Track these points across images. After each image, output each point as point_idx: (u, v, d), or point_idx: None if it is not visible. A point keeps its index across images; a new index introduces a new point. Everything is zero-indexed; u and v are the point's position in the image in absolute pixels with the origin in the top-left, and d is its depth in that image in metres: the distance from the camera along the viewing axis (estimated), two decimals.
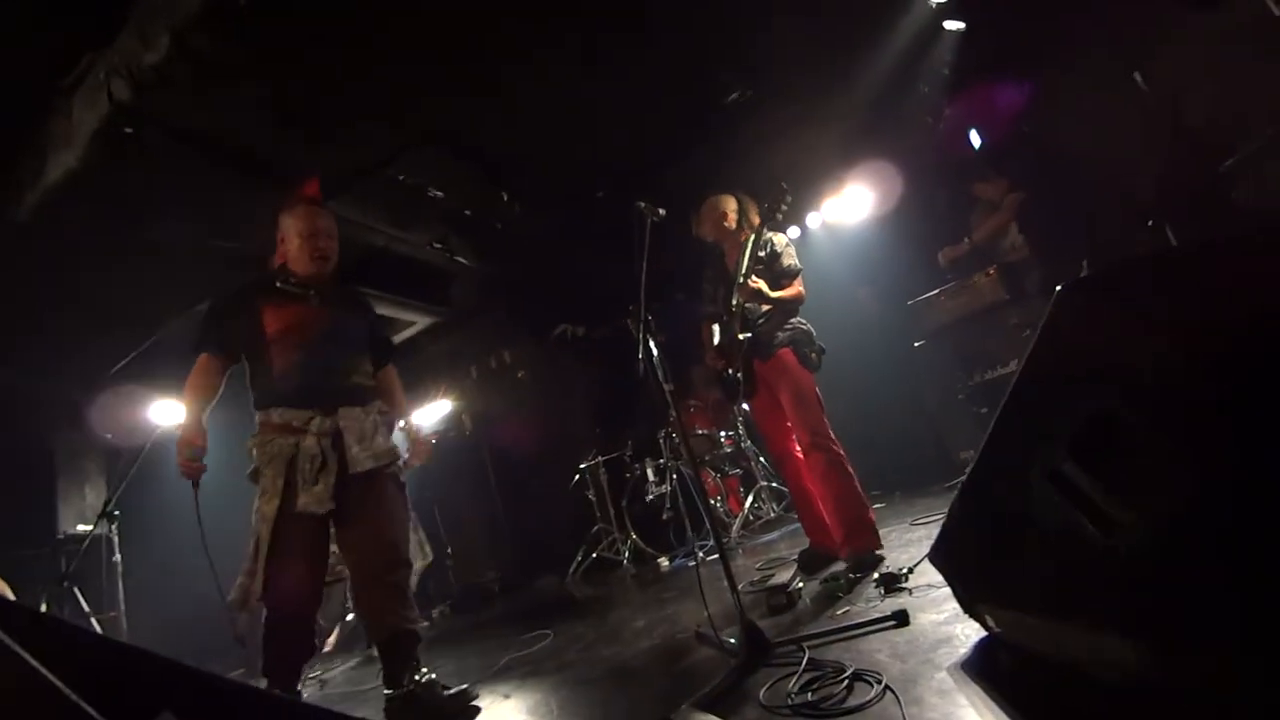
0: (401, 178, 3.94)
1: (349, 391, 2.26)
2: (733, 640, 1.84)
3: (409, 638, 2.13)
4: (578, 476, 5.16)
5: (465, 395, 6.38)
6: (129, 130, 2.84)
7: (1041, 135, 4.20)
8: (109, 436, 4.80)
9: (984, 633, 1.43)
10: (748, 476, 5.12)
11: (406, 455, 2.44)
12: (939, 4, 3.88)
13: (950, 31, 4.06)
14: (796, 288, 2.90)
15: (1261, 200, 2.96)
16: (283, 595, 2.01)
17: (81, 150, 2.92)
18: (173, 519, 4.92)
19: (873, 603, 2.01)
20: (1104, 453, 0.94)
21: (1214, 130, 3.28)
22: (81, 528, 4.51)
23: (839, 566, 2.55)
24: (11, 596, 3.05)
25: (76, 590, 3.78)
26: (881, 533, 2.66)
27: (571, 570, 4.87)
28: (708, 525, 2.17)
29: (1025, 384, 1.06)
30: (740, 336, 2.83)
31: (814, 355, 2.84)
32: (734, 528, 4.49)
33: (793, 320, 2.90)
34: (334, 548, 2.23)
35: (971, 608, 1.46)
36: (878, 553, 2.55)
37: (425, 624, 2.29)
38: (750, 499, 4.82)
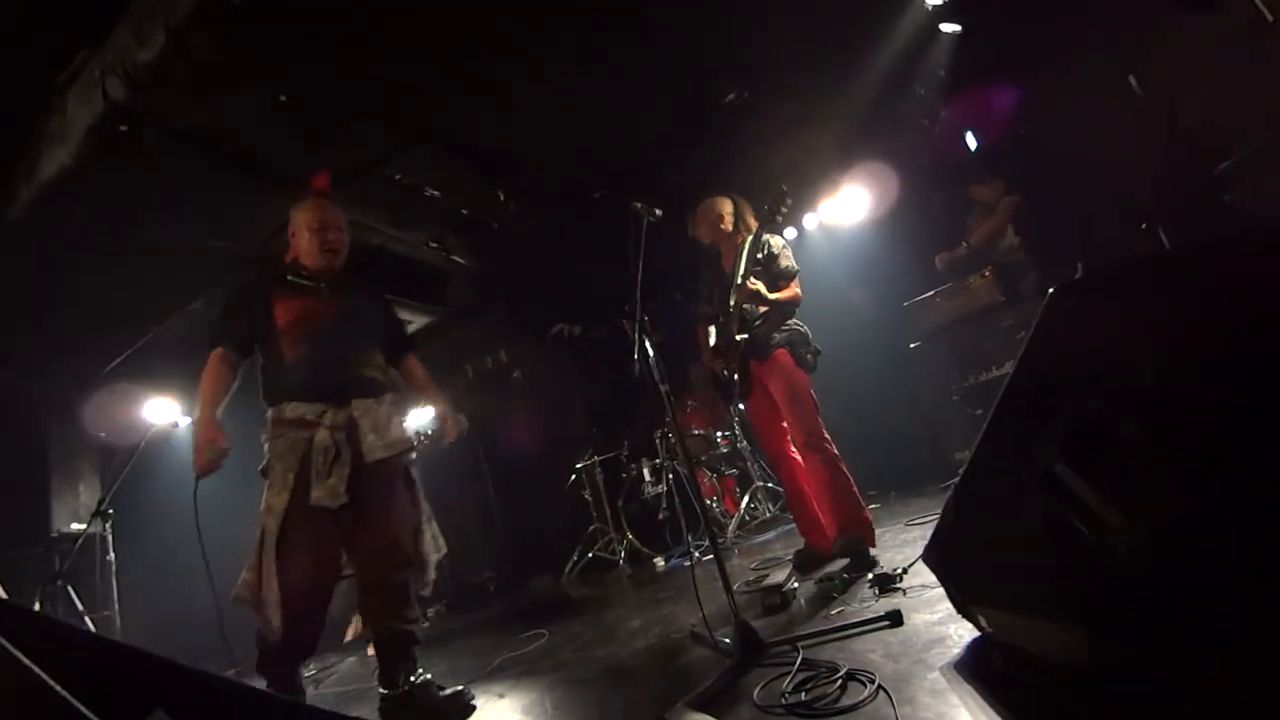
0: (398, 177, 3.94)
1: (360, 383, 2.24)
2: (727, 640, 1.85)
3: (407, 639, 2.12)
4: (574, 476, 5.16)
5: (462, 395, 6.37)
6: (124, 128, 2.83)
7: (1037, 138, 4.22)
8: (103, 435, 4.78)
9: (977, 633, 1.44)
10: (744, 477, 5.13)
11: (431, 433, 2.40)
12: (935, 6, 3.89)
13: (946, 34, 4.07)
14: (794, 289, 2.90)
15: (1256, 203, 2.97)
16: (290, 591, 1.97)
17: (76, 147, 2.91)
18: (166, 518, 4.91)
19: (867, 603, 2.02)
20: (1096, 454, 0.94)
21: (1209, 133, 3.29)
22: (75, 526, 4.49)
23: (834, 567, 2.56)
24: (4, 595, 3.04)
25: (70, 589, 3.77)
26: (877, 533, 2.67)
27: (567, 570, 4.87)
28: (703, 525, 2.17)
29: (1018, 385, 1.07)
30: (737, 337, 2.84)
31: (810, 356, 2.85)
32: (730, 528, 4.49)
33: (789, 321, 2.91)
34: None
35: (965, 608, 1.46)
36: (871, 551, 2.56)
37: (425, 624, 2.27)
38: (746, 499, 4.83)
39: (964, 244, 4.44)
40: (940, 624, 1.61)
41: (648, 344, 2.19)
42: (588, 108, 3.83)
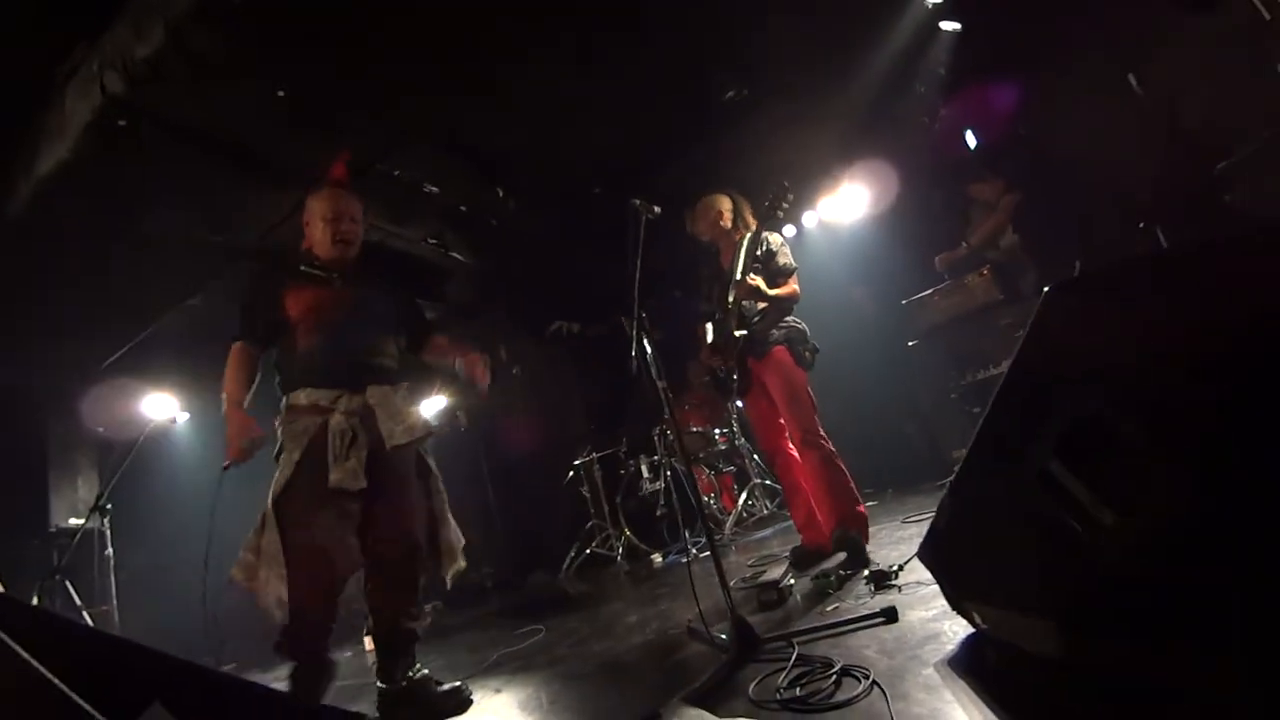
0: (397, 173, 3.93)
1: (375, 371, 2.23)
2: (723, 636, 1.85)
3: (409, 635, 2.13)
4: (572, 473, 5.16)
5: (461, 391, 6.37)
6: (122, 122, 2.82)
7: (1037, 137, 4.21)
8: (101, 430, 4.78)
9: (971, 629, 1.44)
10: (741, 474, 5.14)
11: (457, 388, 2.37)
12: (935, 4, 3.89)
13: (947, 32, 4.06)
14: (792, 286, 2.91)
15: (1256, 203, 2.97)
16: (301, 575, 1.94)
17: (74, 142, 2.90)
18: (165, 513, 4.94)
19: (862, 599, 2.03)
20: (1091, 453, 0.95)
21: (1209, 133, 3.29)
22: (74, 521, 4.50)
23: (830, 563, 2.57)
24: (0, 589, 3.05)
25: (68, 584, 3.78)
26: (873, 530, 2.69)
27: (565, 566, 4.87)
28: (701, 522, 2.18)
29: (1013, 384, 1.07)
30: (735, 333, 2.84)
31: (808, 354, 2.85)
32: (727, 525, 4.50)
33: (788, 319, 2.91)
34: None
35: (959, 605, 1.47)
36: (867, 548, 2.57)
37: (428, 621, 2.27)
38: (744, 496, 4.83)
39: (964, 244, 4.44)
40: (935, 620, 1.62)
41: (646, 341, 2.19)
42: (587, 107, 3.83)
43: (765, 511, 4.86)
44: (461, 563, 2.31)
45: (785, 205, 2.82)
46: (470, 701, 2.09)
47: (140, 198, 3.40)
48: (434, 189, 4.16)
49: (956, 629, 1.50)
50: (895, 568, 2.12)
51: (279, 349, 2.24)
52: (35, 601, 3.54)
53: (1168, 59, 3.49)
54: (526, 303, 6.00)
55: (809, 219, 5.65)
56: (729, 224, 3.05)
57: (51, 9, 2.57)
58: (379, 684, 2.10)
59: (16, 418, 4.64)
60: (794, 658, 1.58)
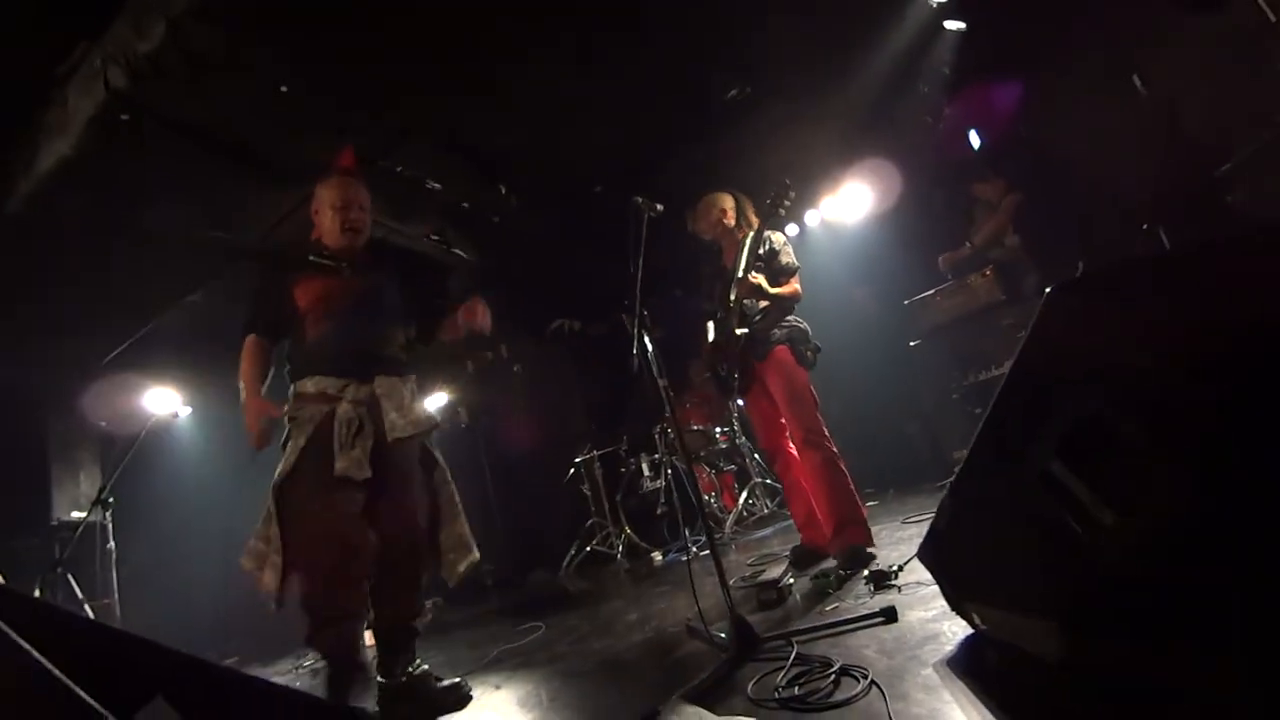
0: (399, 169, 3.93)
1: (383, 361, 2.24)
2: (723, 634, 1.85)
3: (409, 632, 2.14)
4: (573, 470, 5.17)
5: (462, 388, 6.38)
6: (125, 118, 2.82)
7: (1039, 137, 4.21)
8: (103, 424, 4.79)
9: (971, 630, 1.45)
10: (742, 472, 5.14)
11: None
12: (939, 3, 3.88)
13: (950, 31, 4.05)
14: (794, 285, 2.91)
15: (1257, 205, 2.97)
16: (301, 562, 1.94)
17: (76, 139, 2.90)
18: (167, 507, 4.95)
19: (862, 599, 2.03)
20: (1092, 453, 0.95)
21: (1211, 134, 3.28)
22: (76, 515, 4.50)
23: (830, 563, 2.57)
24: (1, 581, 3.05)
25: (70, 577, 3.78)
26: (874, 530, 2.68)
27: (565, 564, 4.88)
28: (701, 520, 2.18)
29: (1014, 384, 1.07)
30: (737, 332, 2.84)
31: (809, 353, 2.85)
32: (728, 523, 4.51)
33: (789, 318, 2.91)
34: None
35: (959, 605, 1.47)
36: (869, 550, 2.56)
37: (428, 617, 2.27)
38: (744, 495, 4.83)
39: (967, 244, 4.43)
40: (934, 621, 1.62)
41: (647, 339, 2.19)
42: (588, 106, 3.82)
43: (765, 510, 4.86)
44: (475, 554, 2.29)
45: (787, 203, 2.82)
46: (470, 698, 2.09)
47: (141, 194, 3.40)
48: (436, 186, 4.15)
49: (956, 629, 1.50)
50: (895, 568, 2.11)
51: (289, 340, 2.25)
52: (37, 594, 3.55)
53: (1170, 60, 3.48)
54: (528, 300, 5.99)
55: (811, 218, 5.64)
56: (732, 222, 3.05)
57: (51, 9, 2.56)
58: (379, 679, 2.10)
59: (19, 411, 4.65)
60: (793, 657, 1.58)
